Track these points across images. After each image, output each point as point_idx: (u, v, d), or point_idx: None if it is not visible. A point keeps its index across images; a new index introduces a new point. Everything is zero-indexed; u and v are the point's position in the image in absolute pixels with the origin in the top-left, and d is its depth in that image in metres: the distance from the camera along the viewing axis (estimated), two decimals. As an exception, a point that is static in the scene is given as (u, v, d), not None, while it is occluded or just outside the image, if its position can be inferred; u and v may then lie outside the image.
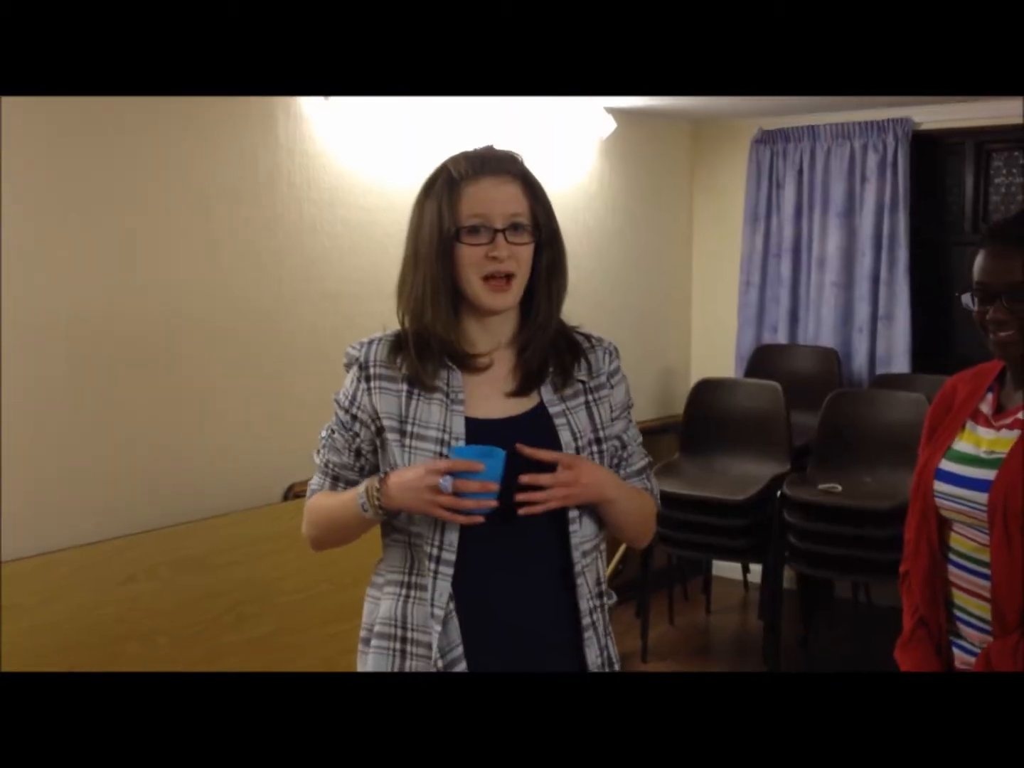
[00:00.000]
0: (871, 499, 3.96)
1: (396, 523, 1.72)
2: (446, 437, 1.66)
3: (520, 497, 1.61)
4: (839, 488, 4.05)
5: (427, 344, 1.69)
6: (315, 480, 1.83)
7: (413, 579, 1.70)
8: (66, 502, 2.98)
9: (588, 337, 1.81)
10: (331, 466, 1.80)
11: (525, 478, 1.60)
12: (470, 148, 1.74)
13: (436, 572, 1.66)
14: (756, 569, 4.88)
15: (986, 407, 1.89)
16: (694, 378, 4.92)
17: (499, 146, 1.76)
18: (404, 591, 1.70)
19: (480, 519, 1.60)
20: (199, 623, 3.10)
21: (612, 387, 1.78)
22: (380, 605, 1.74)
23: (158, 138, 3.13)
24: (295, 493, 3.50)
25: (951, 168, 4.82)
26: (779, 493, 4.09)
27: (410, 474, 1.62)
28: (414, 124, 3.81)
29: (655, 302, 5.12)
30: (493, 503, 1.58)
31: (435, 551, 1.65)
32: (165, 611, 3.04)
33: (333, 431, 1.78)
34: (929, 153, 4.77)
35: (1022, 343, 1.79)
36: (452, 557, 1.65)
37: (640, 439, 1.84)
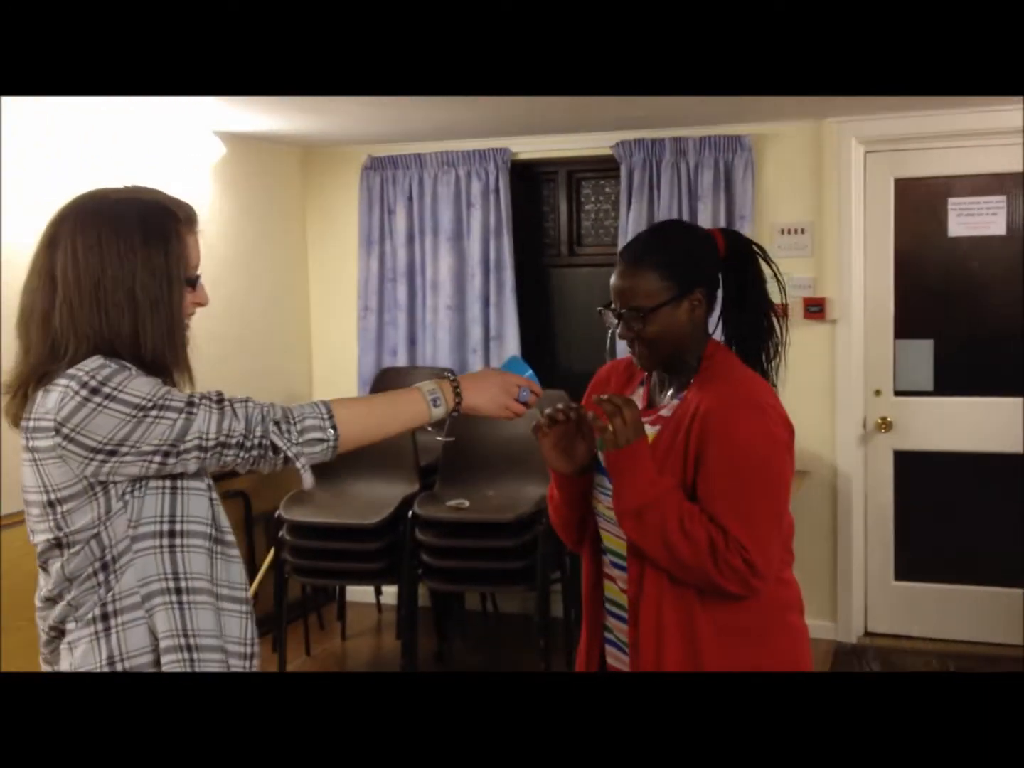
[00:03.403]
0: (495, 512, 4.13)
1: None
2: None
3: None
4: (467, 503, 4.19)
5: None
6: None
7: None
8: None
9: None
10: None
11: None
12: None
13: None
14: (388, 590, 4.94)
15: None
16: (317, 404, 4.88)
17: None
18: None
19: None
20: None
21: None
22: None
23: None
24: None
25: (547, 195, 5.16)
26: (410, 513, 4.16)
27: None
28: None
29: (274, 328, 5.04)
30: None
31: None
32: None
33: None
34: (527, 181, 5.08)
35: (653, 357, 1.89)
36: None
37: None
